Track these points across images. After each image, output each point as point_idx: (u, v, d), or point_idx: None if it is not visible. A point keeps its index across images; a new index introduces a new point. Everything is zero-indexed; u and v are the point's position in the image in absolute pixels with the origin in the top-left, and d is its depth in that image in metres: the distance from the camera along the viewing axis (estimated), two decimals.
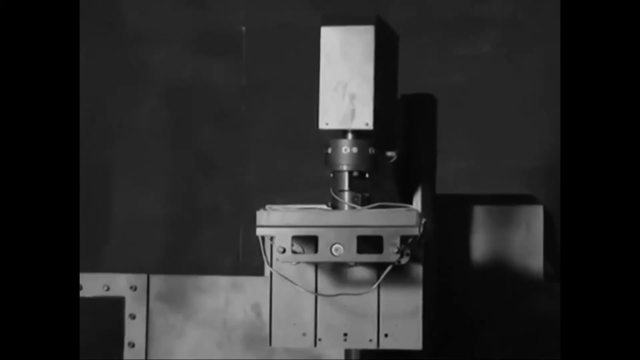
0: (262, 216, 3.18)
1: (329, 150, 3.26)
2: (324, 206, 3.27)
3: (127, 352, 3.94)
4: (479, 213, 3.90)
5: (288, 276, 3.26)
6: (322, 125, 3.21)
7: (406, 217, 3.19)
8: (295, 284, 3.25)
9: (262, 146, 5.04)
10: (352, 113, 3.21)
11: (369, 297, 3.27)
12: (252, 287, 3.91)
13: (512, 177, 4.61)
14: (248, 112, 5.17)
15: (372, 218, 3.19)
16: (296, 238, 3.19)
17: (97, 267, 4.18)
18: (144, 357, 3.95)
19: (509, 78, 4.98)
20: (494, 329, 3.86)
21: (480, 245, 3.89)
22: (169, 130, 5.35)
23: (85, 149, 5.27)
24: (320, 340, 3.32)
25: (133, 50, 5.38)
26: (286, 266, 3.24)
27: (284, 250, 3.15)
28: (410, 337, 3.28)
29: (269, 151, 5.00)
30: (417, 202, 3.42)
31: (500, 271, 3.89)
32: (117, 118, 5.36)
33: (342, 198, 3.23)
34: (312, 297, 3.29)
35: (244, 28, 5.14)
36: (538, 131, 4.91)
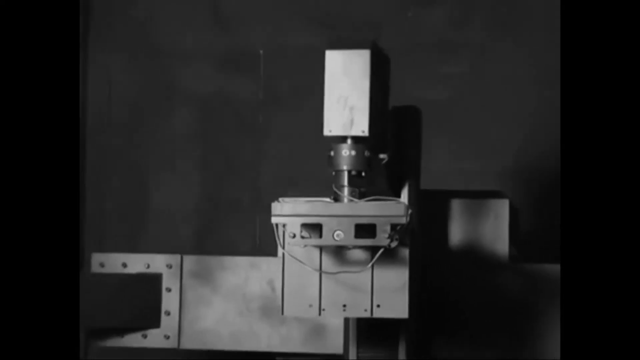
0: (276, 207, 3.18)
1: (332, 153, 3.26)
2: (328, 199, 3.26)
3: (164, 319, 3.97)
4: (456, 205, 3.92)
5: (297, 257, 3.27)
6: (327, 132, 3.21)
7: (395, 208, 3.18)
8: (304, 264, 3.27)
9: (276, 149, 5.08)
10: (351, 122, 3.20)
11: (364, 275, 3.27)
12: (267, 266, 3.93)
13: (484, 175, 4.61)
14: (264, 121, 5.19)
15: (367, 209, 3.19)
16: (304, 225, 3.18)
17: (140, 249, 4.17)
18: (177, 323, 3.89)
19: (483, 93, 4.99)
20: (469, 302, 3.84)
21: (456, 232, 3.92)
22: (197, 135, 5.35)
23: (127, 151, 5.32)
24: (324, 310, 3.31)
25: (168, 68, 5.36)
26: (296, 249, 3.26)
27: (294, 236, 3.16)
28: (399, 308, 3.29)
29: (281, 154, 5.03)
30: (404, 196, 3.41)
31: (473, 253, 3.91)
32: (154, 124, 5.37)
33: (343, 192, 3.23)
34: (317, 274, 3.30)
35: (261, 51, 5.14)
36: (507, 136, 4.93)
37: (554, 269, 3.80)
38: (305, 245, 3.24)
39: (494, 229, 3.90)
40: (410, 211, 3.17)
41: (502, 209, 3.91)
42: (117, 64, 5.39)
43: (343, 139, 3.24)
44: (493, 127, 4.96)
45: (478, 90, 5.02)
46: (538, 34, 5.05)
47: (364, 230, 3.17)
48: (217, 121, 5.34)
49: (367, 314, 3.31)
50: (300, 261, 3.27)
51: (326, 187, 3.30)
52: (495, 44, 5.06)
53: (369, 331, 3.68)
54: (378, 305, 3.30)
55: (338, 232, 3.16)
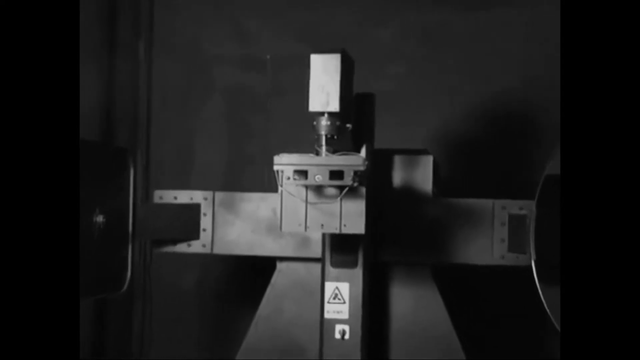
0: (277, 159, 3.23)
1: (314, 123, 3.28)
2: (312, 154, 3.27)
3: (202, 234, 3.97)
4: (397, 159, 3.93)
5: (291, 192, 3.30)
6: (311, 109, 3.25)
7: (357, 160, 3.23)
8: (295, 197, 3.31)
9: (279, 123, 5.09)
10: (327, 102, 3.23)
11: (336, 204, 3.30)
12: (271, 199, 3.89)
13: (416, 140, 4.63)
14: (271, 105, 5.16)
15: (337, 160, 3.23)
16: (295, 171, 3.22)
17: (186, 188, 4.17)
18: (211, 237, 3.93)
19: (415, 86, 5.01)
20: (405, 223, 3.85)
21: (397, 177, 3.93)
22: (225, 113, 5.32)
23: (180, 123, 5.35)
24: (308, 227, 3.32)
25: (206, 67, 5.33)
26: (289, 187, 3.29)
27: (289, 178, 3.22)
28: (358, 227, 3.32)
29: (282, 126, 5.02)
30: (363, 152, 3.40)
31: (408, 191, 3.93)
32: (198, 106, 5.35)
33: (321, 149, 3.28)
34: (304, 204, 3.31)
35: (268, 56, 5.15)
36: (431, 113, 4.96)
37: (461, 201, 3.85)
38: (297, 185, 3.28)
39: (422, 175, 3.89)
40: (366, 162, 3.23)
41: (427, 162, 3.91)
42: (173, 65, 5.38)
43: (322, 113, 3.26)
44: (423, 107, 4.99)
45: (412, 84, 5.02)
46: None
47: (335, 174, 3.20)
48: (239, 104, 5.31)
49: (337, 231, 3.34)
50: (292, 195, 3.31)
51: (311, 147, 3.35)
52: (426, 54, 5.05)
53: (339, 242, 3.72)
54: (345, 225, 3.32)
55: (318, 175, 3.20)
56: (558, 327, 3.22)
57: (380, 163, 3.83)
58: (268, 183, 3.62)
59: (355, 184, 3.22)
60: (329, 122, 3.25)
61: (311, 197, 3.31)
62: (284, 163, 3.23)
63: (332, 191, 3.30)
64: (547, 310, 3.31)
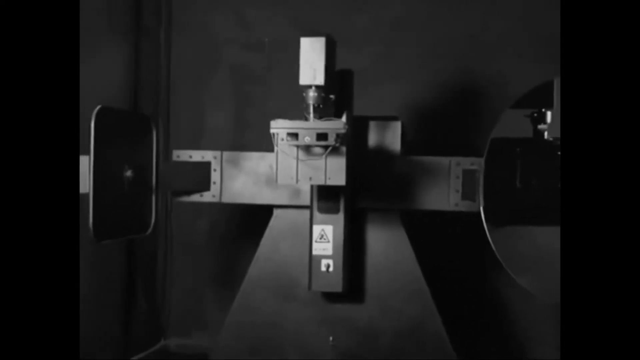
0: (273, 124, 3.23)
1: (304, 94, 3.26)
2: (302, 120, 3.27)
3: (212, 186, 3.95)
4: (372, 125, 3.90)
5: (285, 151, 3.30)
6: (301, 82, 3.23)
7: (339, 124, 3.21)
8: (288, 155, 3.30)
9: (276, 94, 5.04)
10: (314, 76, 3.21)
11: (321, 161, 3.30)
12: (269, 157, 3.88)
13: (387, 107, 4.57)
14: (269, 79, 5.13)
15: (323, 124, 3.22)
16: (288, 134, 3.22)
17: (198, 148, 4.16)
18: (219, 188, 3.92)
19: (385, 63, 4.98)
20: (377, 175, 3.83)
21: (372, 139, 3.90)
22: (231, 85, 5.26)
23: (193, 93, 5.31)
24: (299, 180, 3.32)
25: (216, 48, 5.28)
26: (284, 146, 3.27)
27: (283, 139, 3.23)
28: (339, 179, 3.31)
29: (279, 96, 4.95)
30: (344, 119, 3.37)
31: (381, 150, 3.90)
32: (208, 80, 5.30)
33: (309, 116, 3.26)
34: (295, 161, 3.30)
35: (266, 39, 5.12)
36: (400, 86, 4.94)
37: (424, 159, 3.84)
38: (290, 145, 3.26)
39: (392, 137, 3.86)
40: (346, 126, 3.22)
41: (396, 127, 3.88)
42: (188, 47, 5.34)
43: (310, 86, 3.24)
44: (394, 81, 4.96)
45: (384, 62, 4.99)
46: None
47: (321, 136, 3.20)
48: (243, 78, 5.25)
49: (322, 182, 3.33)
50: (286, 153, 3.30)
51: (301, 114, 3.33)
52: (396, 37, 5.01)
53: (324, 192, 3.72)
54: (329, 178, 3.32)
55: (307, 137, 3.20)
56: (501, 260, 3.27)
57: (357, 127, 3.81)
58: (266, 144, 3.59)
59: (338, 144, 3.22)
60: (315, 94, 3.23)
61: (301, 155, 3.29)
62: (279, 127, 3.21)
63: (318, 150, 3.28)
64: (493, 247, 3.35)
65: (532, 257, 3.34)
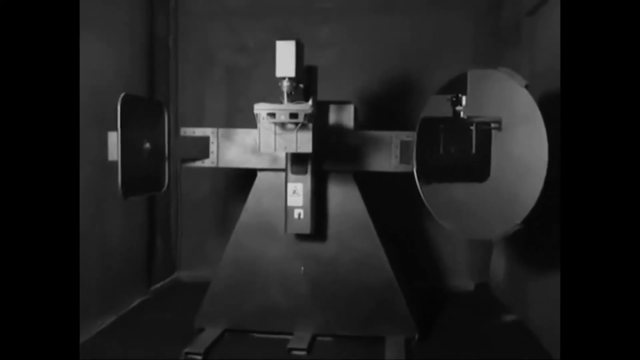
0: (256, 107, 3.14)
1: (280, 84, 3.19)
2: (278, 103, 3.19)
3: (211, 155, 3.87)
4: (332, 107, 3.84)
5: (265, 127, 3.21)
6: (277, 74, 3.16)
7: (307, 106, 3.14)
8: (268, 130, 3.21)
9: (258, 84, 4.95)
10: (287, 70, 3.14)
11: (293, 135, 3.21)
12: (254, 132, 3.81)
13: (344, 94, 4.51)
14: (254, 73, 5.04)
15: (294, 107, 3.14)
16: (268, 114, 3.13)
17: (200, 126, 4.03)
18: (216, 156, 3.83)
19: (343, 61, 4.93)
20: (336, 147, 3.77)
21: (332, 118, 3.85)
22: (225, 76, 5.18)
23: (196, 80, 5.16)
24: (277, 149, 3.23)
25: (210, 50, 5.18)
26: (264, 123, 3.18)
27: (264, 118, 3.12)
28: (307, 147, 3.22)
29: (261, 86, 4.80)
30: (310, 102, 3.27)
31: (338, 127, 3.83)
32: (206, 74, 5.21)
33: (283, 100, 3.19)
34: (273, 134, 3.21)
35: (251, 44, 5.04)
36: (357, 76, 4.89)
37: (372, 133, 3.79)
38: (269, 122, 3.16)
39: (347, 117, 3.84)
40: (313, 108, 3.16)
41: (350, 109, 3.85)
42: (191, 50, 5.22)
43: (284, 78, 3.17)
44: (348, 75, 4.92)
45: (341, 60, 4.94)
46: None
47: (293, 115, 3.12)
48: (233, 73, 5.17)
49: (294, 150, 3.24)
50: (266, 129, 3.21)
51: (276, 99, 3.24)
52: (352, 42, 4.93)
53: (295, 158, 3.67)
54: (299, 147, 3.24)
55: (282, 116, 3.12)
56: (429, 208, 3.27)
57: (321, 109, 3.77)
58: (251, 122, 3.55)
59: (306, 122, 3.16)
60: (288, 83, 3.17)
61: (278, 130, 3.22)
62: (261, 109, 3.13)
63: (291, 126, 3.22)
64: (423, 198, 3.36)
65: (452, 205, 3.35)
